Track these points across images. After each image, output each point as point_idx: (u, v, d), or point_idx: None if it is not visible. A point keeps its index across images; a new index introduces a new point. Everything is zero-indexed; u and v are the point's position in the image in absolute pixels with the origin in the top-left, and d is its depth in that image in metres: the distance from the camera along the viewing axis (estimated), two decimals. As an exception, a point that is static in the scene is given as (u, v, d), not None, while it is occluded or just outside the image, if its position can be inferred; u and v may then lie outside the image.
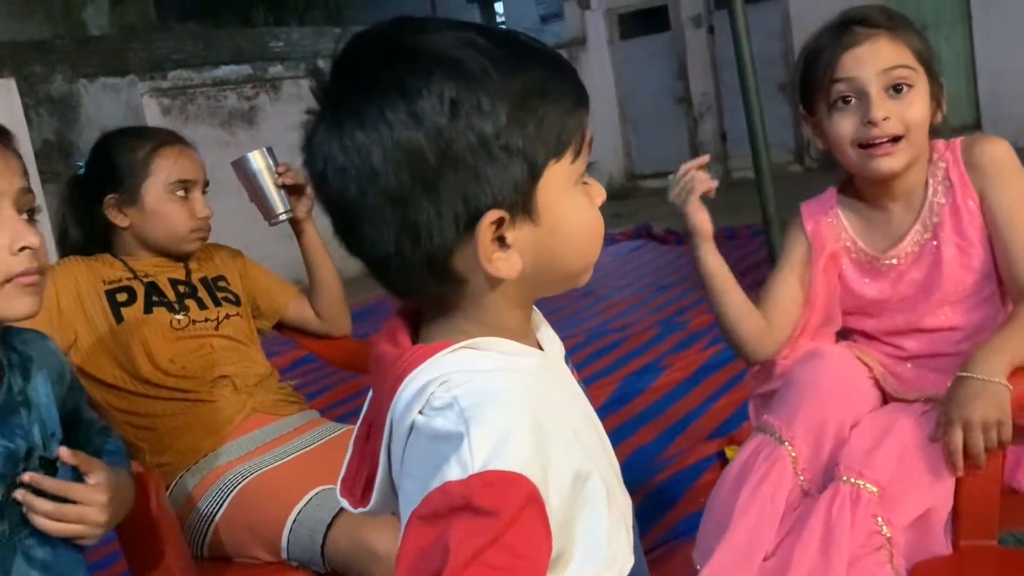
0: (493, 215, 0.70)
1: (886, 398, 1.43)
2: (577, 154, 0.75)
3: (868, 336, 1.49)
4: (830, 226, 1.46)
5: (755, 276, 5.07)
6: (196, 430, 1.70)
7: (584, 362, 3.76)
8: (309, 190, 1.82)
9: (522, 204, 0.72)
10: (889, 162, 1.32)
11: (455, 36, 0.71)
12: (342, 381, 3.77)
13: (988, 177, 1.34)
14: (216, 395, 1.73)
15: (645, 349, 3.88)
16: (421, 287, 0.75)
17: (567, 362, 0.86)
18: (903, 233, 1.40)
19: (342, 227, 0.74)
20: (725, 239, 6.32)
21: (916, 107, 1.31)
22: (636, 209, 8.76)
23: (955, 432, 1.17)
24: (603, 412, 3.18)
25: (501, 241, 0.72)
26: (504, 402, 0.70)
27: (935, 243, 1.38)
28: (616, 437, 2.94)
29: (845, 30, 1.33)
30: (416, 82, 0.68)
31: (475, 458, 0.66)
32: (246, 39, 8.87)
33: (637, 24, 10.60)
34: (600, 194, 0.79)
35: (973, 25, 8.62)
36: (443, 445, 0.68)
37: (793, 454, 1.31)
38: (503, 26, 16.15)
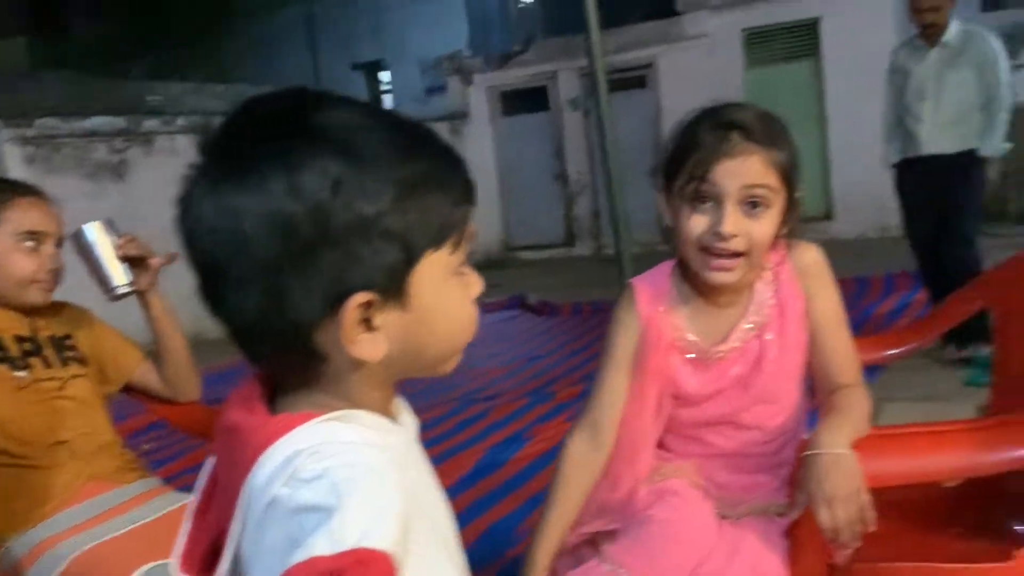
0: (361, 297, 0.69)
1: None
2: (457, 245, 0.75)
3: (677, 430, 1.49)
4: (665, 318, 1.44)
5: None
6: (26, 497, 1.63)
7: (451, 431, 3.76)
8: (152, 262, 1.79)
9: (394, 289, 0.71)
10: (724, 276, 1.36)
11: (352, 116, 0.71)
12: (197, 447, 3.64)
13: (813, 281, 1.41)
14: (51, 461, 1.66)
15: (511, 419, 3.91)
16: (281, 359, 0.74)
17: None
18: (730, 328, 1.43)
19: (207, 289, 0.72)
20: (593, 312, 6.49)
21: (765, 227, 1.33)
22: (512, 280, 8.88)
23: (823, 511, 1.18)
24: (467, 483, 3.21)
25: (368, 323, 0.71)
26: (378, 478, 0.68)
27: (758, 341, 1.42)
28: (478, 508, 2.94)
29: (724, 136, 1.32)
30: (302, 155, 0.67)
31: (348, 534, 0.63)
32: (123, 91, 8.67)
33: (518, 102, 10.90)
34: (477, 284, 0.79)
35: (828, 122, 9.25)
36: (308, 518, 0.65)
37: None
38: (390, 96, 16.11)
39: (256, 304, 0.69)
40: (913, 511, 1.54)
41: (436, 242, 0.73)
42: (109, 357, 1.86)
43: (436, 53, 11.79)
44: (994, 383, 1.71)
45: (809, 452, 1.22)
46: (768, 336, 1.41)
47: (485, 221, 10.84)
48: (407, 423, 0.84)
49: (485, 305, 7.32)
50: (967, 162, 3.99)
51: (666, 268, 1.49)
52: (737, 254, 1.34)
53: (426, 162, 0.72)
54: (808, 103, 9.27)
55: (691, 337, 1.44)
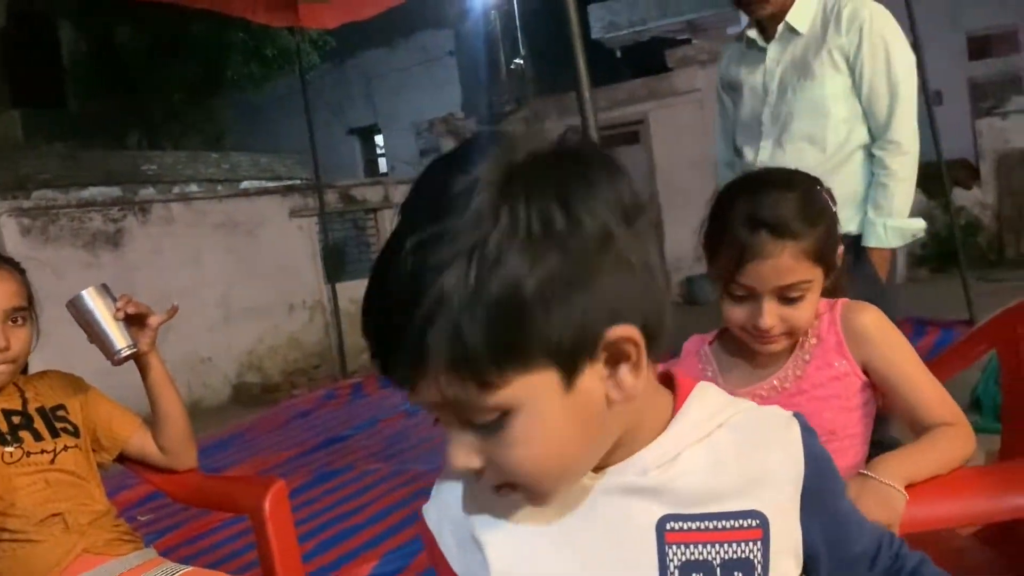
0: None
1: None
2: None
3: None
4: (696, 361, 1.48)
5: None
6: (21, 573, 1.59)
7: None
8: (151, 320, 1.76)
9: None
10: (771, 347, 1.38)
11: None
12: (195, 517, 3.58)
13: (871, 344, 1.38)
14: (45, 535, 1.62)
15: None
16: None
17: None
18: (763, 377, 1.43)
19: None
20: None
21: (804, 310, 1.35)
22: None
23: None
24: None
25: None
26: None
27: (787, 394, 1.40)
28: None
29: (755, 232, 1.30)
30: None
31: None
32: (117, 161, 8.74)
33: (512, 160, 11.01)
34: None
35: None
36: None
37: None
38: (384, 159, 16.21)
39: None
40: (934, 558, 1.51)
41: None
42: (103, 426, 1.83)
43: (429, 116, 11.93)
44: (1004, 427, 1.68)
45: (864, 471, 1.21)
46: (800, 389, 1.40)
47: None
48: None
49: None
50: (852, 255, 2.07)
51: (717, 331, 1.51)
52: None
53: None
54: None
55: (720, 381, 1.44)
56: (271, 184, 9.48)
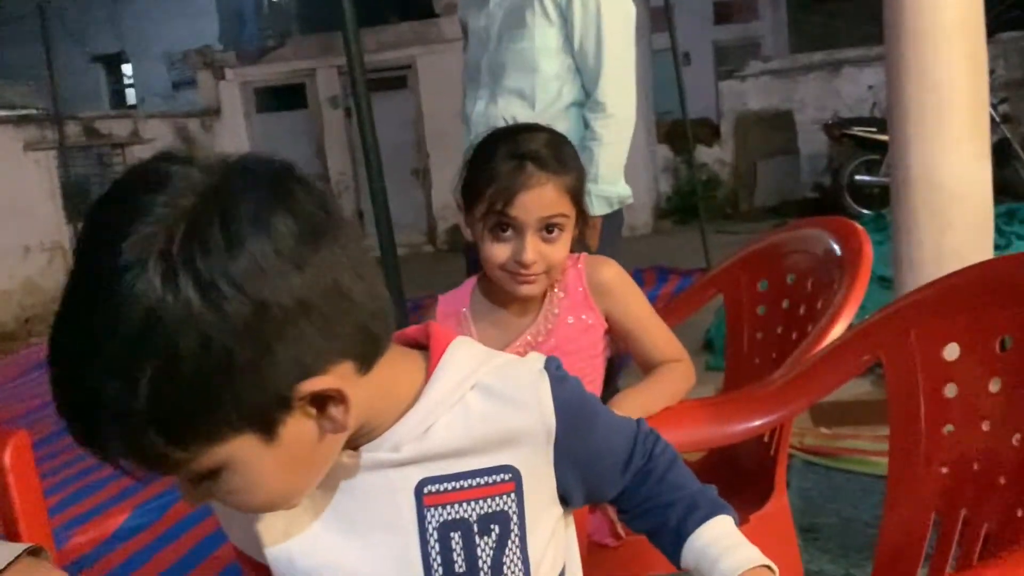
0: None
1: None
2: None
3: None
4: (456, 325, 1.51)
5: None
6: None
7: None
8: None
9: None
10: (529, 289, 1.45)
11: None
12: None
13: (612, 296, 1.50)
14: None
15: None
16: None
17: None
18: (518, 334, 1.50)
19: None
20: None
21: (561, 248, 1.43)
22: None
23: None
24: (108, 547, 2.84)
25: None
26: None
27: (542, 349, 1.45)
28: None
29: (520, 167, 1.38)
30: None
31: None
32: None
33: (275, 99, 10.60)
34: None
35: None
36: None
37: None
38: (133, 90, 15.06)
39: None
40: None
41: None
42: None
43: (184, 46, 11.23)
44: (726, 364, 1.88)
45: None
46: (553, 343, 1.50)
47: (243, 222, 10.45)
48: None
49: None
50: None
51: (470, 283, 1.57)
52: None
53: None
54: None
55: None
56: (2, 113, 8.61)
